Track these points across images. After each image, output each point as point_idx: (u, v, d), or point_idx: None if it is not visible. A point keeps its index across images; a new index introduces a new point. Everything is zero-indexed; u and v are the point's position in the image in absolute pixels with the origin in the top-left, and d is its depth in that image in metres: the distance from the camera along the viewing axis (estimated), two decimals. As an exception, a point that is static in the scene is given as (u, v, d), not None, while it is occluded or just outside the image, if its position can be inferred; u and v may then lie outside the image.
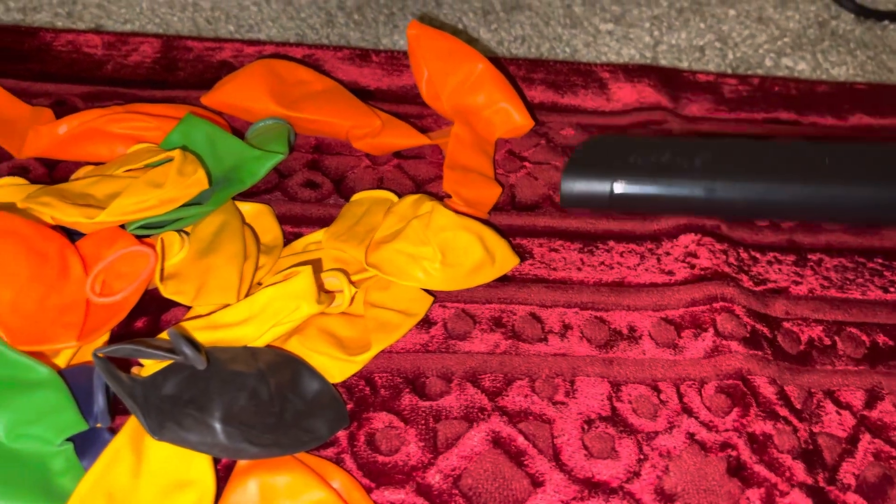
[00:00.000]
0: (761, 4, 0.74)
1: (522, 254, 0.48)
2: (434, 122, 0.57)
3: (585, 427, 0.40)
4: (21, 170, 0.50)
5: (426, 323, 0.44)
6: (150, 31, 0.64)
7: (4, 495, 0.34)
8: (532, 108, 0.59)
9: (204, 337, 0.39)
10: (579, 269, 0.48)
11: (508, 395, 0.41)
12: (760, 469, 0.39)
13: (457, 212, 0.46)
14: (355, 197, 0.50)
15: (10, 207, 0.43)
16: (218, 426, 0.35)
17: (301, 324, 0.42)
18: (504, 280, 0.47)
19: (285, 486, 0.36)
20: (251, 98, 0.53)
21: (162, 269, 0.43)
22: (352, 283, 0.43)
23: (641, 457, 0.39)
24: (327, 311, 0.42)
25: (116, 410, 0.38)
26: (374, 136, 0.53)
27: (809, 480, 0.39)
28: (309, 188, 0.51)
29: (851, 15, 0.74)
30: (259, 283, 0.44)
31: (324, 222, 0.49)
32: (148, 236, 0.44)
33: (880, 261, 0.50)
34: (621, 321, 0.45)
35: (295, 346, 0.41)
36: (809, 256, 0.50)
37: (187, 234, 0.45)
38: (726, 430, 0.41)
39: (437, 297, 0.45)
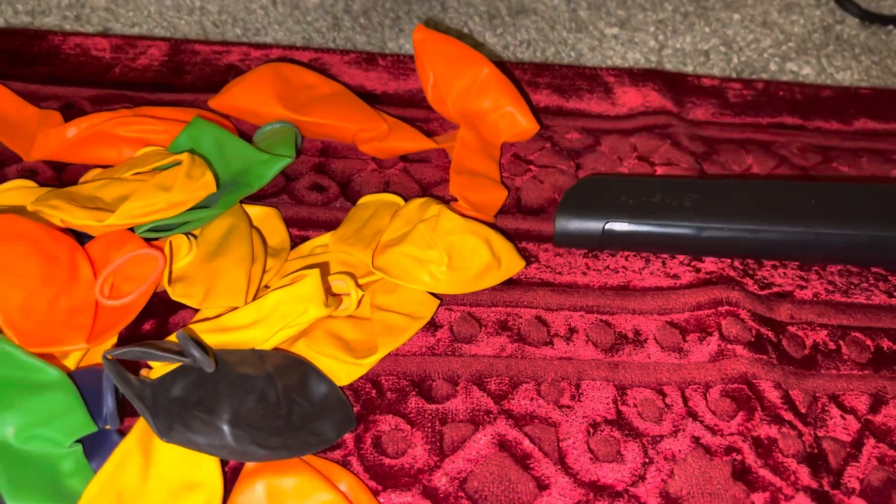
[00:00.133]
0: (766, 9, 0.74)
1: (528, 257, 0.48)
2: (440, 125, 0.57)
3: (591, 430, 0.41)
4: (29, 172, 0.50)
5: (432, 326, 0.44)
6: (157, 35, 0.64)
7: (14, 497, 0.34)
8: (537, 111, 0.59)
9: (212, 339, 0.40)
10: (584, 272, 0.48)
11: (514, 399, 0.41)
12: (765, 473, 0.39)
13: (463, 215, 0.46)
14: (362, 200, 0.50)
15: (19, 210, 0.43)
16: (226, 428, 0.36)
17: (308, 327, 0.42)
18: (510, 283, 0.47)
19: (292, 489, 0.36)
20: (258, 101, 0.53)
21: (170, 272, 0.43)
22: (358, 286, 0.44)
23: (646, 460, 0.40)
24: (334, 314, 0.43)
25: (125, 412, 0.39)
26: (380, 140, 0.53)
27: (814, 484, 0.39)
28: (315, 191, 0.51)
29: (856, 20, 0.74)
30: (266, 287, 0.44)
31: (330, 225, 0.49)
32: (156, 239, 0.44)
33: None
34: (626, 325, 0.45)
35: (302, 349, 0.41)
36: (828, 265, 0.50)
37: (195, 237, 0.45)
38: (731, 434, 0.41)
39: (443, 300, 0.45)
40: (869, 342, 0.46)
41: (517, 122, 0.55)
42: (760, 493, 0.39)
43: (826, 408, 0.43)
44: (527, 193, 0.53)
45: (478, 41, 0.67)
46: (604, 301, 0.46)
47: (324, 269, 0.45)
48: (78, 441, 0.36)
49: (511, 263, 0.46)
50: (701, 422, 0.41)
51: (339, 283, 0.44)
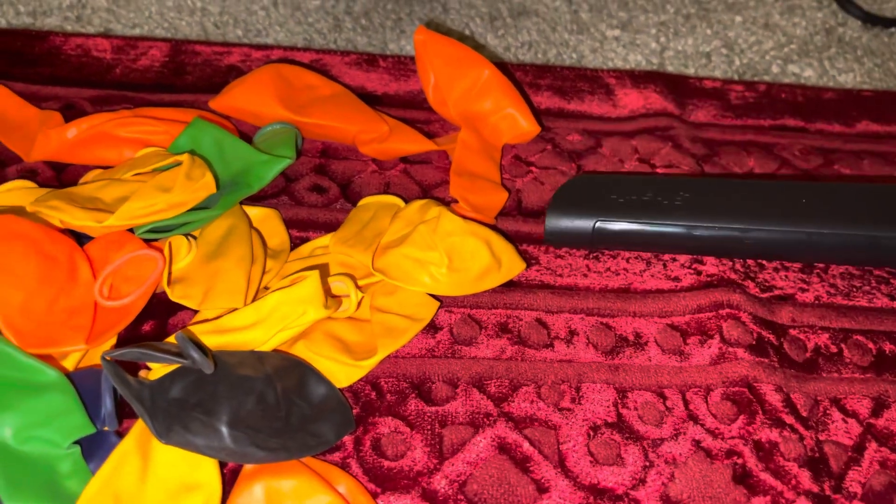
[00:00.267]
0: (768, 11, 0.74)
1: (528, 260, 0.48)
2: (441, 127, 0.57)
3: (591, 433, 0.40)
4: (30, 173, 0.50)
5: (432, 328, 0.44)
6: (158, 36, 0.64)
7: (12, 497, 0.34)
8: (538, 113, 0.59)
9: (211, 341, 0.40)
10: (585, 275, 0.48)
11: (514, 401, 0.41)
12: (766, 477, 0.39)
13: (463, 217, 0.46)
14: (362, 202, 0.50)
15: (19, 211, 0.43)
16: (225, 430, 0.36)
17: (308, 328, 0.42)
18: (510, 286, 0.47)
19: (291, 491, 0.36)
20: (259, 102, 0.53)
21: (169, 273, 0.43)
22: (358, 287, 0.44)
23: (647, 464, 0.39)
24: (334, 315, 0.43)
25: (124, 413, 0.39)
26: (381, 142, 0.53)
27: (815, 488, 0.39)
28: (316, 192, 0.51)
29: (858, 22, 0.74)
30: (266, 288, 0.44)
31: (330, 227, 0.49)
32: (156, 240, 0.44)
33: (887, 268, 0.50)
34: (627, 327, 0.45)
35: (301, 351, 0.41)
36: (816, 263, 0.50)
37: (195, 238, 0.45)
38: (732, 438, 0.41)
39: (443, 302, 0.45)
40: (871, 345, 0.46)
41: (518, 123, 0.55)
42: (761, 497, 0.38)
43: (828, 411, 0.42)
44: (528, 195, 0.52)
45: (479, 43, 0.67)
46: (604, 303, 0.46)
47: (323, 270, 0.45)
48: (76, 442, 0.36)
49: (512, 265, 0.46)
50: (702, 425, 0.41)
51: (338, 285, 0.43)
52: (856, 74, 0.68)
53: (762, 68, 0.68)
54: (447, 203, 0.50)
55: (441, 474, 0.38)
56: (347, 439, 0.39)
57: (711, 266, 0.49)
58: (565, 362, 0.43)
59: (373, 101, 0.57)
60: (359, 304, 0.44)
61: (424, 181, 0.52)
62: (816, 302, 0.48)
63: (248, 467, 0.37)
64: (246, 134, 0.54)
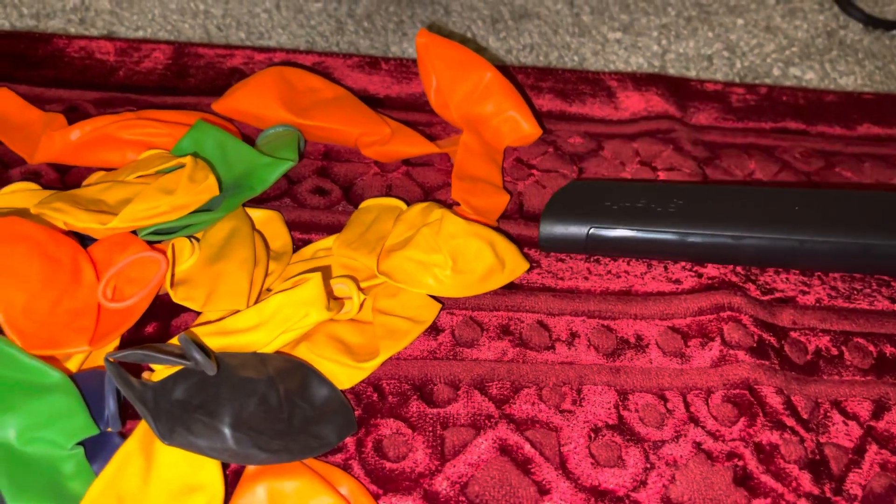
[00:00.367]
0: (769, 14, 0.74)
1: (530, 262, 0.48)
2: (443, 129, 0.57)
3: (592, 435, 0.40)
4: (33, 175, 0.50)
5: (434, 330, 0.44)
6: (161, 38, 0.64)
7: (16, 499, 0.34)
8: (540, 116, 0.59)
9: (214, 343, 0.40)
10: (586, 277, 0.48)
11: (516, 403, 0.41)
12: (767, 479, 0.39)
13: (466, 219, 0.46)
14: (364, 204, 0.50)
15: (22, 213, 0.44)
16: (227, 431, 0.36)
17: (310, 330, 0.42)
18: (512, 288, 0.47)
19: (293, 492, 0.36)
20: (262, 105, 0.53)
21: (172, 275, 0.43)
22: (360, 289, 0.44)
23: (648, 465, 0.40)
24: (336, 317, 0.43)
25: (127, 415, 0.39)
26: (383, 144, 0.53)
27: (816, 491, 0.39)
28: (318, 195, 0.51)
29: (860, 25, 0.74)
30: (268, 290, 0.44)
31: (332, 229, 0.49)
32: (159, 242, 0.45)
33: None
34: (628, 330, 0.45)
35: (304, 353, 0.41)
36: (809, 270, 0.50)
37: (198, 240, 0.45)
38: (733, 440, 0.41)
39: (445, 304, 0.45)
40: (871, 348, 0.46)
41: (520, 126, 0.55)
42: (762, 499, 0.39)
43: (828, 414, 0.42)
44: (529, 198, 0.53)
45: (481, 45, 0.67)
46: (605, 306, 0.46)
47: (326, 272, 0.45)
48: (79, 443, 0.36)
49: (515, 265, 0.46)
50: (702, 427, 0.41)
51: (341, 287, 0.44)
52: (857, 77, 0.68)
53: (763, 71, 0.68)
54: (449, 205, 0.50)
55: (442, 476, 0.38)
56: (349, 441, 0.39)
57: (712, 269, 0.49)
58: (566, 364, 0.43)
59: (375, 103, 0.58)
60: (361, 306, 0.44)
61: (426, 183, 0.53)
62: (817, 304, 0.48)
63: (250, 468, 0.37)
64: (249, 136, 0.54)
